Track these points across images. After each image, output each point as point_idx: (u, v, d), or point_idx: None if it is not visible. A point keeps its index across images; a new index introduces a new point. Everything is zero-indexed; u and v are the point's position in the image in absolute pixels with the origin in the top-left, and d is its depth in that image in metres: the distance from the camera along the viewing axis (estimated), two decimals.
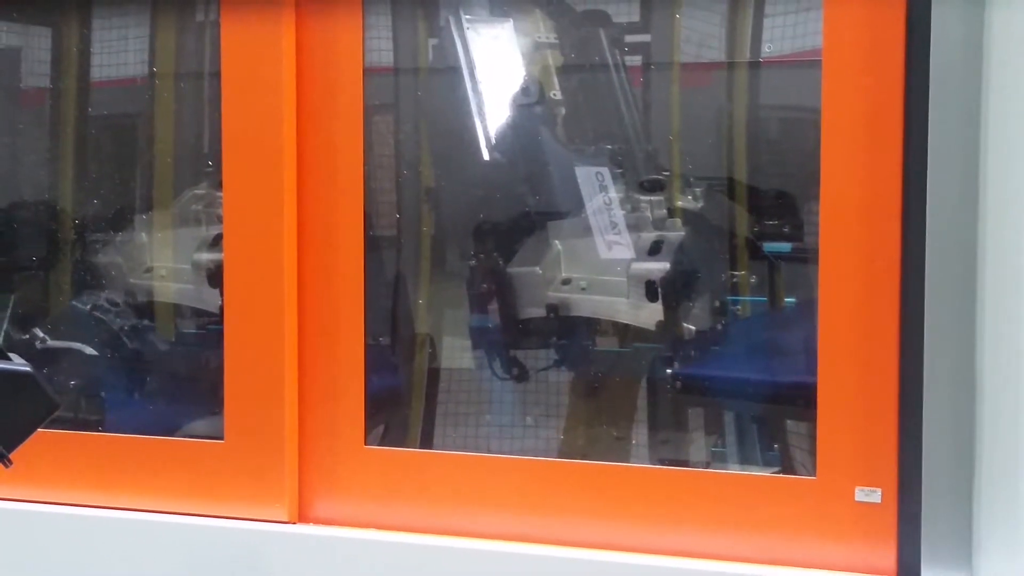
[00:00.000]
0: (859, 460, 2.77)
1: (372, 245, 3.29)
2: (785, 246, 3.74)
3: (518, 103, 3.79)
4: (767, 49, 3.80)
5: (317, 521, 3.16)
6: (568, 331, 3.70)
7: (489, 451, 3.77)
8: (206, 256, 3.78)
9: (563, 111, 3.85)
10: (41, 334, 3.90)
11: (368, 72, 3.16)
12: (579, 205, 3.67)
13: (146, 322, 4.00)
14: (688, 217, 3.71)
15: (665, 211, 3.69)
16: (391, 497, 3.12)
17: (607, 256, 3.62)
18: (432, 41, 3.94)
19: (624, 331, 3.69)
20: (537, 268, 3.67)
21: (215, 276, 3.65)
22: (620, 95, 3.90)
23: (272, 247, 3.13)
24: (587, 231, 3.64)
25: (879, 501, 2.76)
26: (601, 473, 3.01)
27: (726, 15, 3.87)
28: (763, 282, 3.80)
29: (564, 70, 3.86)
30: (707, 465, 3.72)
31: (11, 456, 2.11)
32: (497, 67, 3.80)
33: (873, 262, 2.73)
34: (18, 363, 2.13)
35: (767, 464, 3.60)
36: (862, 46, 2.72)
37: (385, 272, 3.96)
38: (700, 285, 3.70)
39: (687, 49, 3.87)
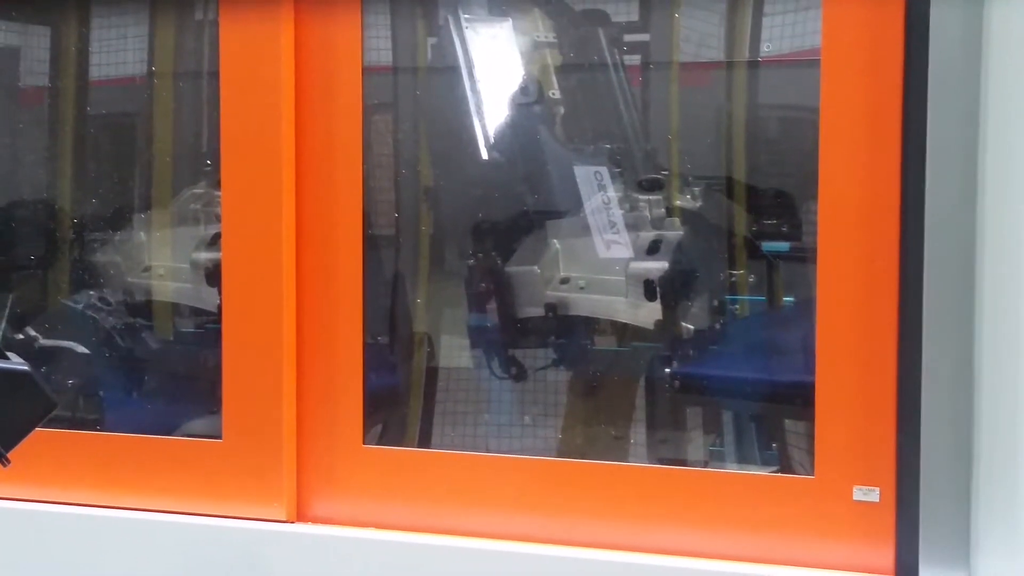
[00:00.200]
0: (857, 459, 2.77)
1: (371, 244, 3.28)
2: (784, 245, 3.74)
3: (517, 102, 3.79)
4: (766, 48, 3.80)
5: (315, 520, 3.16)
6: (566, 330, 3.69)
7: (487, 450, 3.76)
8: (204, 255, 3.78)
9: (562, 110, 3.85)
10: (33, 332, 3.89)
11: (367, 71, 3.16)
12: (578, 204, 3.67)
13: (141, 321, 4.00)
14: (687, 216, 3.71)
15: (664, 210, 3.69)
16: (389, 496, 3.12)
17: (606, 255, 3.61)
18: (431, 40, 3.94)
19: (623, 330, 3.69)
20: (536, 267, 3.67)
21: (213, 275, 3.65)
22: (619, 94, 3.90)
23: (271, 246, 3.12)
24: (586, 230, 3.64)
25: (877, 500, 2.76)
26: (599, 472, 3.01)
27: (725, 14, 3.87)
28: (761, 281, 3.80)
29: (563, 69, 3.85)
30: (705, 464, 3.72)
31: (9, 455, 2.11)
32: (496, 66, 3.79)
33: (872, 262, 2.73)
34: (16, 362, 2.13)
35: (765, 463, 3.60)
36: (861, 45, 2.72)
37: (384, 271, 3.95)
38: (698, 284, 3.70)
39: (686, 48, 3.87)
